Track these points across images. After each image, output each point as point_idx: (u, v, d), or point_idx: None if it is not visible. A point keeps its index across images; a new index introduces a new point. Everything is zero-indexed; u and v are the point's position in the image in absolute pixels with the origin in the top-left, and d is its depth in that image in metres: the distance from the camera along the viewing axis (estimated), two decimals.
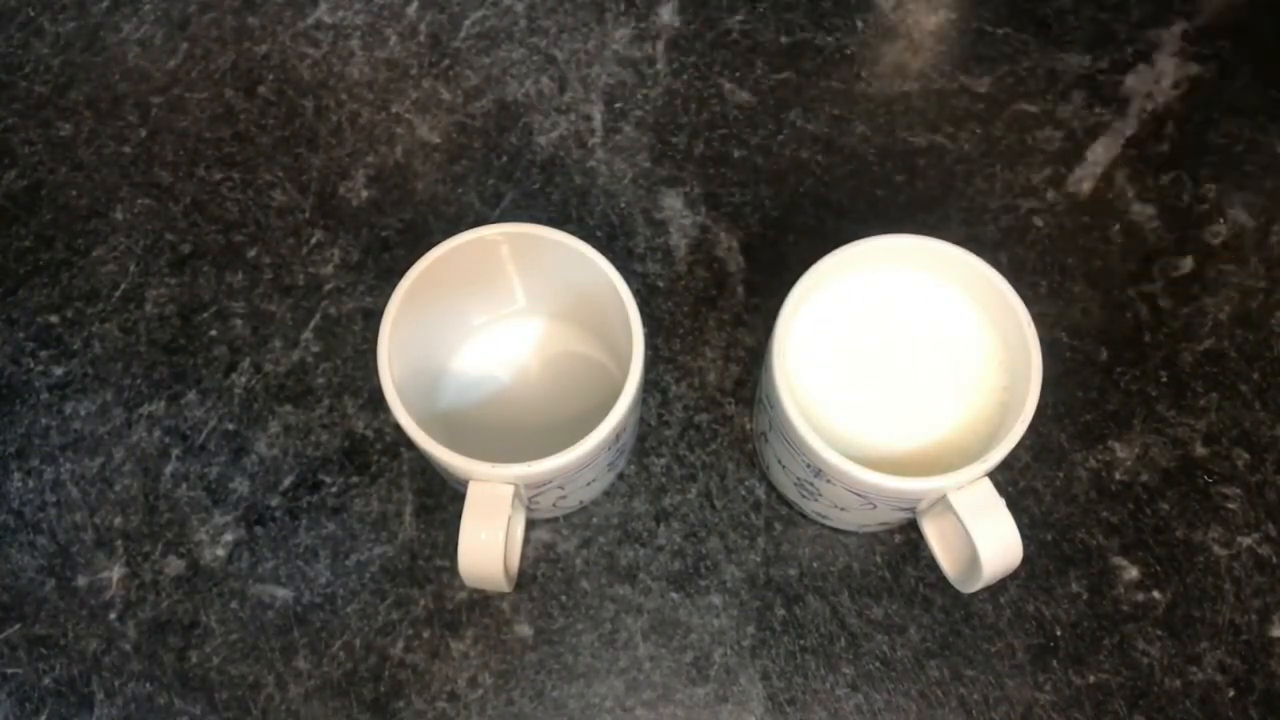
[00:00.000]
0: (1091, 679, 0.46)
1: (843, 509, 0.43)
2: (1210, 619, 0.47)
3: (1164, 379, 0.50)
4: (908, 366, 0.43)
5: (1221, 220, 0.53)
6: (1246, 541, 0.48)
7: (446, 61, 0.56)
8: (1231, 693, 0.46)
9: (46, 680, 0.46)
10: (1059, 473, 0.49)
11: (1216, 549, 0.48)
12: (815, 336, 0.43)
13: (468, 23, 0.57)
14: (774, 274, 0.52)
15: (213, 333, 0.51)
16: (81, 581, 0.48)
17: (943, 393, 0.43)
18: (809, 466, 0.41)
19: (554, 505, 0.45)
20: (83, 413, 0.50)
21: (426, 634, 0.47)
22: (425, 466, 0.49)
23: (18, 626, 0.47)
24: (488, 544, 0.40)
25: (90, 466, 0.49)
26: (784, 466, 0.44)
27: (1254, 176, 0.54)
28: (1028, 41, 0.57)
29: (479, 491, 0.40)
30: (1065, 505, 0.48)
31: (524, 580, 0.47)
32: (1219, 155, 0.55)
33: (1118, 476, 0.49)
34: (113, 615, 0.47)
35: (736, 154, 0.54)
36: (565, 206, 0.53)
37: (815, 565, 0.48)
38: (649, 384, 0.50)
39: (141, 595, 0.47)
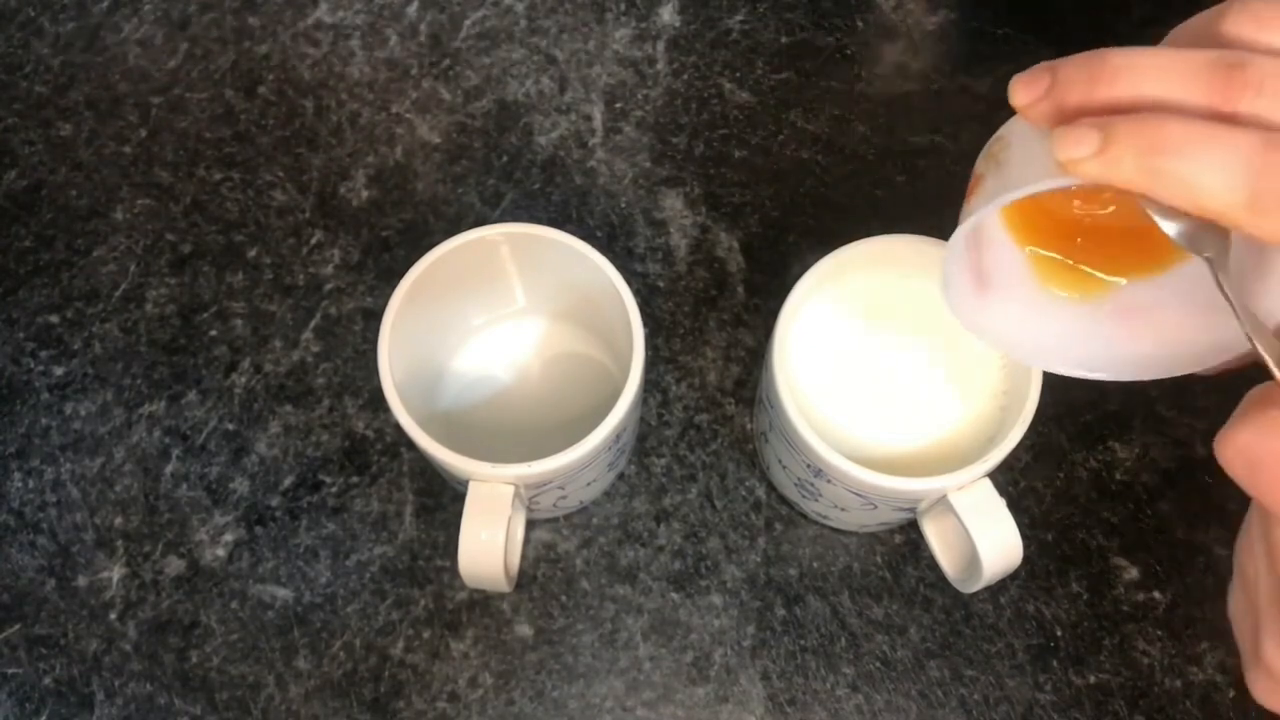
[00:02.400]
0: (1091, 679, 0.46)
1: (843, 509, 0.43)
2: (1210, 619, 0.47)
3: (1164, 379, 0.50)
4: (908, 367, 0.43)
5: None
6: None
7: (447, 61, 0.56)
8: (1232, 693, 0.46)
9: (46, 680, 0.46)
10: (1059, 473, 0.49)
11: (1217, 549, 0.48)
12: (815, 336, 0.43)
13: (468, 23, 0.57)
14: (774, 274, 0.52)
15: (213, 333, 0.51)
16: (81, 581, 0.48)
17: (943, 393, 0.43)
18: (809, 466, 0.41)
19: (554, 505, 0.45)
20: (83, 413, 0.50)
21: (426, 634, 0.47)
22: (425, 466, 0.49)
23: (18, 626, 0.47)
24: (488, 544, 0.40)
25: (90, 466, 0.49)
26: (784, 466, 0.44)
27: None
28: (1028, 41, 0.57)
29: (479, 491, 0.40)
30: (1065, 505, 0.48)
31: (524, 580, 0.47)
32: None
33: (1118, 476, 0.49)
34: (113, 615, 0.47)
35: (736, 154, 0.54)
36: (565, 206, 0.53)
37: (815, 565, 0.48)
38: (649, 384, 0.50)
39: (141, 595, 0.47)
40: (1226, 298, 0.30)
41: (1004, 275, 0.37)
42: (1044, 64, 0.30)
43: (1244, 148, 0.27)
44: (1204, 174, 0.27)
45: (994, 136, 0.34)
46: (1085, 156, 0.28)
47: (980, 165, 0.34)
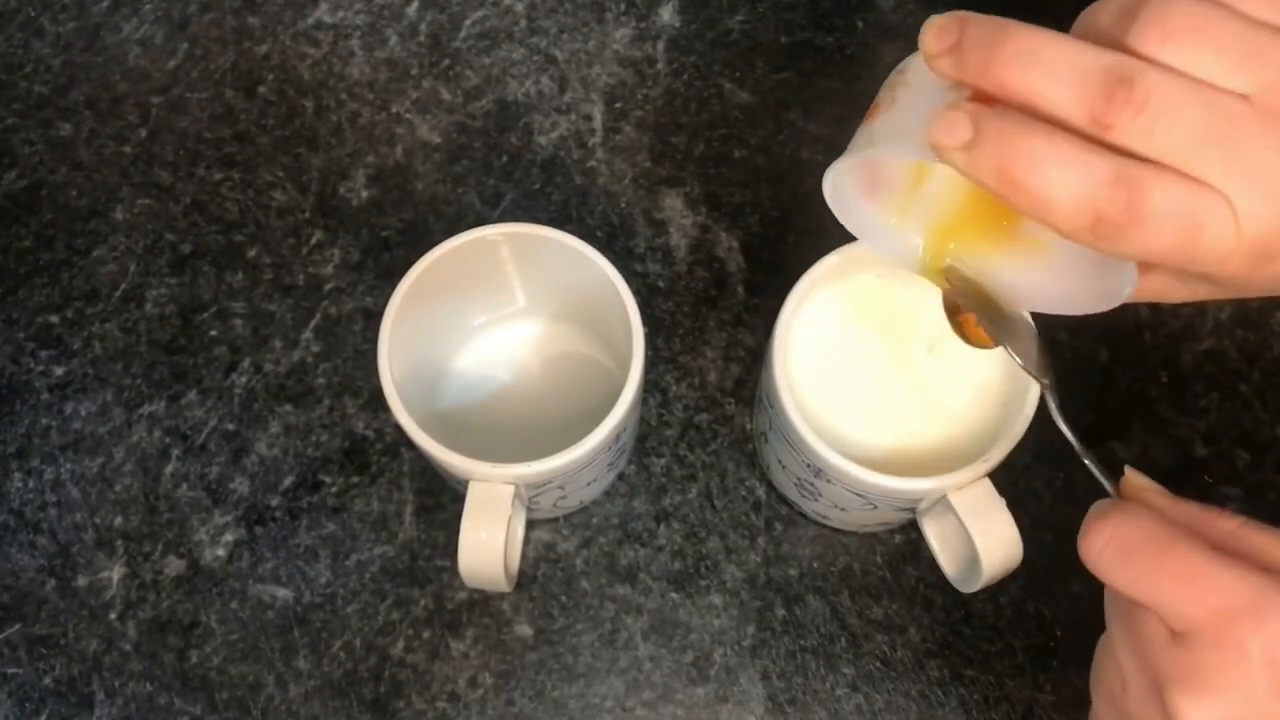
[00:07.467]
0: None
1: (843, 509, 0.43)
2: None
3: (1164, 379, 0.50)
4: (908, 366, 0.43)
5: None
6: None
7: (447, 61, 0.56)
8: None
9: (46, 680, 0.46)
10: (1059, 473, 0.49)
11: None
12: (815, 336, 0.43)
13: (468, 23, 0.57)
14: (774, 274, 0.52)
15: (213, 333, 0.51)
16: (81, 581, 0.48)
17: (942, 393, 0.43)
18: (809, 466, 0.41)
19: (554, 505, 0.45)
20: (83, 413, 0.50)
21: (426, 634, 0.47)
22: (425, 466, 0.49)
23: (18, 626, 0.47)
24: (488, 544, 0.40)
25: (90, 466, 0.49)
26: (784, 466, 0.44)
27: None
28: None
29: (479, 491, 0.40)
30: (1065, 505, 0.48)
31: (524, 580, 0.47)
32: None
33: None
34: (113, 615, 0.47)
35: (736, 154, 0.54)
36: (565, 206, 0.53)
37: (815, 565, 0.48)
38: (649, 384, 0.50)
39: (141, 595, 0.47)
40: (1060, 426, 0.35)
41: (895, 184, 0.38)
42: (959, 15, 0.31)
43: (1096, 175, 0.29)
44: (1053, 194, 0.29)
45: (901, 65, 0.35)
46: (952, 147, 0.30)
47: (882, 94, 0.36)
